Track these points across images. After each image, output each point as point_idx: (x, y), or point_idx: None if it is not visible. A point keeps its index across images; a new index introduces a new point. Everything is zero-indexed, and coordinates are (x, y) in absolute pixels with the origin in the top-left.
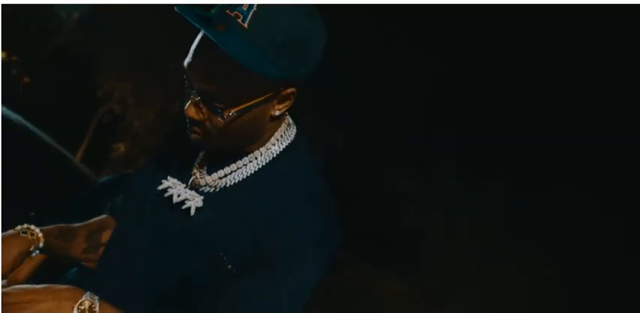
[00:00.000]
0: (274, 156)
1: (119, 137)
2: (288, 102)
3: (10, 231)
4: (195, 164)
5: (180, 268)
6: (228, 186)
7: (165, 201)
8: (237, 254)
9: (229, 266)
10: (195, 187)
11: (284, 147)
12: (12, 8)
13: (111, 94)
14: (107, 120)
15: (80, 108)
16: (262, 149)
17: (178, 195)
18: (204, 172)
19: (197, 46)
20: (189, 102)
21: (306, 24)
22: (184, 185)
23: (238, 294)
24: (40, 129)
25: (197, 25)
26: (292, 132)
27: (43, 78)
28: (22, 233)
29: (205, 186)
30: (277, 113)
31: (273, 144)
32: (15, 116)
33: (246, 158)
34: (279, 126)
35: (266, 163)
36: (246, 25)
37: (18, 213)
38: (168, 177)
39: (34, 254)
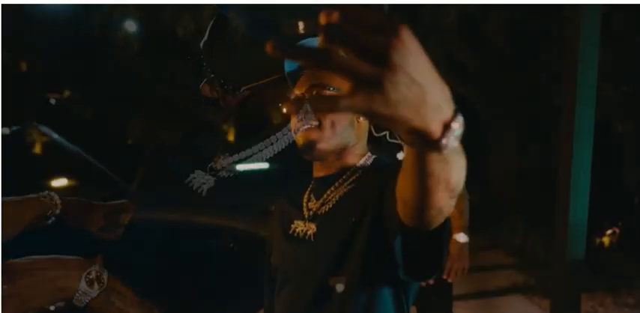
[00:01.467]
0: (292, 140)
1: None
2: None
3: (31, 195)
4: (219, 147)
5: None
6: (243, 170)
7: None
8: (237, 236)
9: (231, 245)
10: (212, 170)
11: None
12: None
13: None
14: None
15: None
16: (279, 134)
17: None
18: (227, 155)
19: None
20: (205, 80)
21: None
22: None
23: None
24: (98, 160)
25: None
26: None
27: (103, 113)
28: (42, 197)
29: (222, 169)
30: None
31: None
32: (75, 148)
33: (262, 143)
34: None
35: (283, 148)
36: None
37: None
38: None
39: (50, 220)
